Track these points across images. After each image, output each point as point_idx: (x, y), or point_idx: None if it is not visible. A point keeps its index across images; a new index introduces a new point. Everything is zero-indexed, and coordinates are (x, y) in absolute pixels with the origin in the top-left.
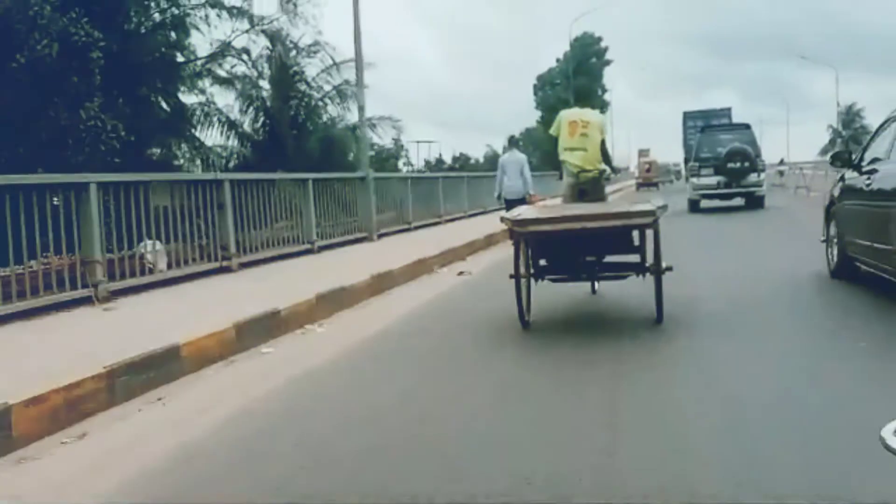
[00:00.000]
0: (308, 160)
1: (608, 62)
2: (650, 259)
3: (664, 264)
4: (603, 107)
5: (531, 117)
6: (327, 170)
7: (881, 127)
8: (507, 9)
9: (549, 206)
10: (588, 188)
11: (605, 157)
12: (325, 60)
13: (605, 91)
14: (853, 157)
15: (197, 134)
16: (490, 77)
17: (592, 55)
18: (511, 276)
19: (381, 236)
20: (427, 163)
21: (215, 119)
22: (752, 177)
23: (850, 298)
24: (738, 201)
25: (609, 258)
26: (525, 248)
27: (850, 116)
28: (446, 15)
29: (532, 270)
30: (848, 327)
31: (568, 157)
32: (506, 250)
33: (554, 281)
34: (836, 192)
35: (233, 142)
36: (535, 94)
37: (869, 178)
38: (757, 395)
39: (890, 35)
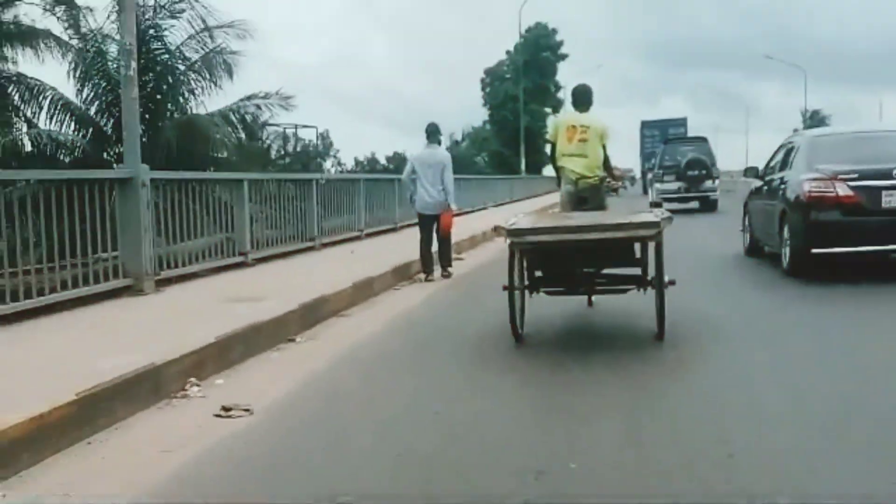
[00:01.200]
0: (165, 152)
1: (563, 57)
2: (651, 272)
3: (667, 278)
4: (556, 106)
5: (479, 115)
6: (187, 165)
7: (779, 147)
8: (459, 6)
9: (544, 214)
10: (588, 196)
11: (607, 166)
12: (195, 23)
13: (558, 88)
14: (759, 170)
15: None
16: (443, 74)
17: (546, 48)
18: (504, 288)
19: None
20: (359, 163)
21: (43, 97)
22: (708, 183)
23: (757, 267)
24: (694, 204)
25: (608, 270)
26: (520, 259)
27: (815, 122)
28: (397, 15)
29: (527, 282)
30: (758, 285)
31: (566, 163)
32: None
33: (550, 294)
34: (748, 195)
35: (67, 128)
36: (483, 89)
37: (765, 185)
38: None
39: (840, 46)
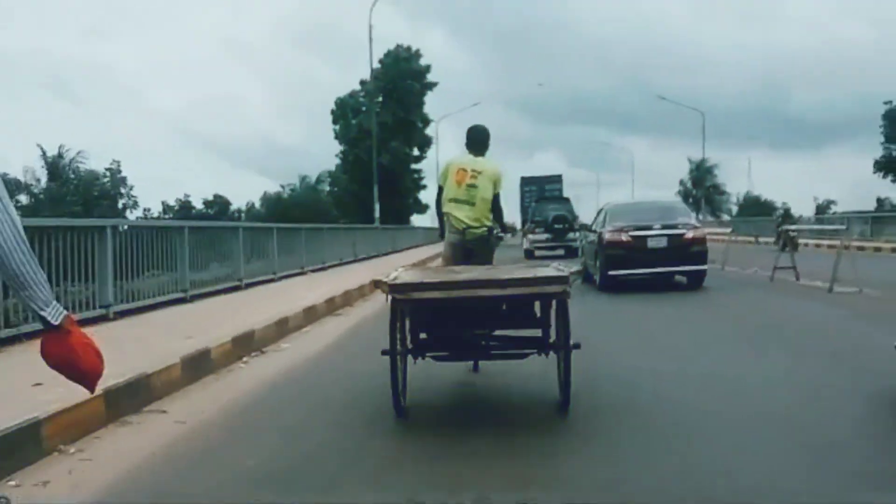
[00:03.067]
0: None
1: (430, 86)
2: (554, 334)
3: (571, 341)
4: (423, 145)
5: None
6: None
7: (598, 211)
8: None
9: (427, 269)
10: (475, 248)
11: (497, 215)
12: None
13: (426, 123)
14: (589, 225)
15: None
16: (313, 114)
17: (408, 75)
18: (384, 353)
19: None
20: (167, 207)
21: None
22: (570, 234)
23: (585, 288)
24: (560, 251)
25: (504, 332)
26: (401, 319)
27: (700, 174)
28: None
29: (410, 346)
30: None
31: (452, 210)
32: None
33: (437, 359)
34: (584, 242)
35: None
36: (335, 123)
37: (591, 235)
38: None
39: (711, 103)
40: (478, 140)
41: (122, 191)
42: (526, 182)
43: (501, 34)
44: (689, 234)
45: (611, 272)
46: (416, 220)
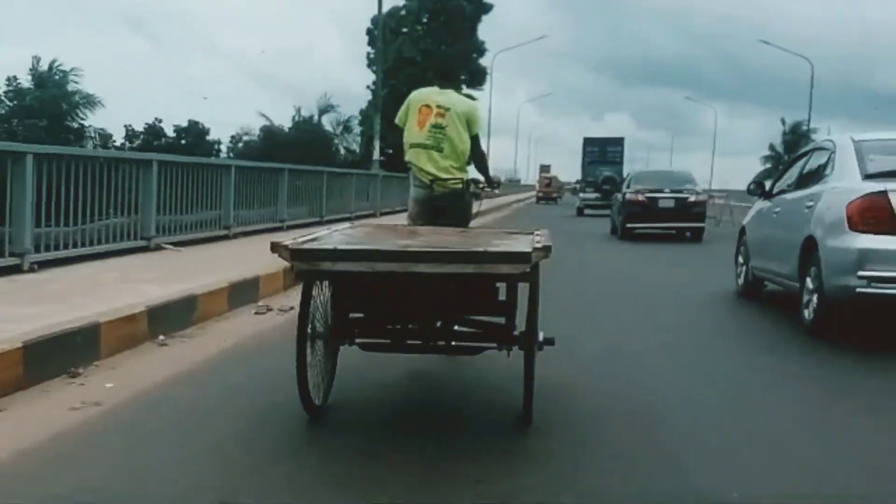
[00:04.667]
0: None
1: (487, 8)
2: (522, 324)
3: (541, 335)
4: (479, 77)
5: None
6: None
7: (624, 177)
8: None
9: (380, 228)
10: (447, 205)
11: (479, 163)
12: None
13: (480, 53)
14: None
15: None
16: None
17: None
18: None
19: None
20: (132, 134)
21: None
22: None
23: (610, 236)
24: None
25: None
26: (320, 294)
27: (795, 137)
28: None
29: (333, 329)
30: (606, 241)
31: (416, 157)
32: None
33: (366, 349)
34: (613, 202)
35: None
36: (371, 45)
37: (618, 195)
38: None
39: (777, 73)
40: (444, 68)
41: (88, 112)
42: (588, 143)
43: None
44: (692, 198)
45: (628, 225)
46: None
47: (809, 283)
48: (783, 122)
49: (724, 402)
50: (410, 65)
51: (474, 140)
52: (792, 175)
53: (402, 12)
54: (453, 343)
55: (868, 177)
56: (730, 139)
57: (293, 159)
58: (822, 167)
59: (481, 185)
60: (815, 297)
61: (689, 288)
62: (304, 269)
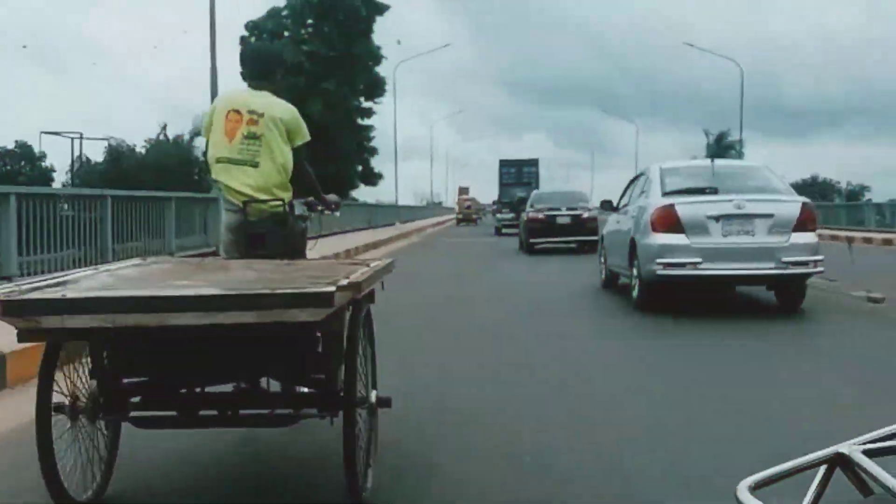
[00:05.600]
0: None
1: (382, 8)
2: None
3: (374, 395)
4: (376, 90)
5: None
6: None
7: (526, 196)
8: None
9: (182, 264)
10: (266, 233)
11: (306, 180)
12: None
13: (376, 59)
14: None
15: None
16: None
17: None
18: (52, 410)
19: None
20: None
21: None
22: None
23: (518, 251)
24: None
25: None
26: (91, 353)
27: (720, 149)
28: None
29: (99, 400)
30: (512, 256)
31: (224, 175)
32: None
33: (142, 426)
34: (523, 220)
35: None
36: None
37: (522, 215)
38: None
39: (686, 90)
40: (258, 61)
41: None
42: (504, 164)
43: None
44: (585, 215)
45: (531, 240)
46: (366, 193)
47: (634, 271)
48: (706, 133)
49: (580, 356)
50: (297, 72)
51: (298, 152)
52: (628, 194)
53: (285, 12)
54: (259, 412)
55: (665, 194)
56: (650, 154)
57: (146, 184)
58: (642, 187)
59: (318, 207)
60: (637, 282)
61: (569, 285)
62: (25, 328)
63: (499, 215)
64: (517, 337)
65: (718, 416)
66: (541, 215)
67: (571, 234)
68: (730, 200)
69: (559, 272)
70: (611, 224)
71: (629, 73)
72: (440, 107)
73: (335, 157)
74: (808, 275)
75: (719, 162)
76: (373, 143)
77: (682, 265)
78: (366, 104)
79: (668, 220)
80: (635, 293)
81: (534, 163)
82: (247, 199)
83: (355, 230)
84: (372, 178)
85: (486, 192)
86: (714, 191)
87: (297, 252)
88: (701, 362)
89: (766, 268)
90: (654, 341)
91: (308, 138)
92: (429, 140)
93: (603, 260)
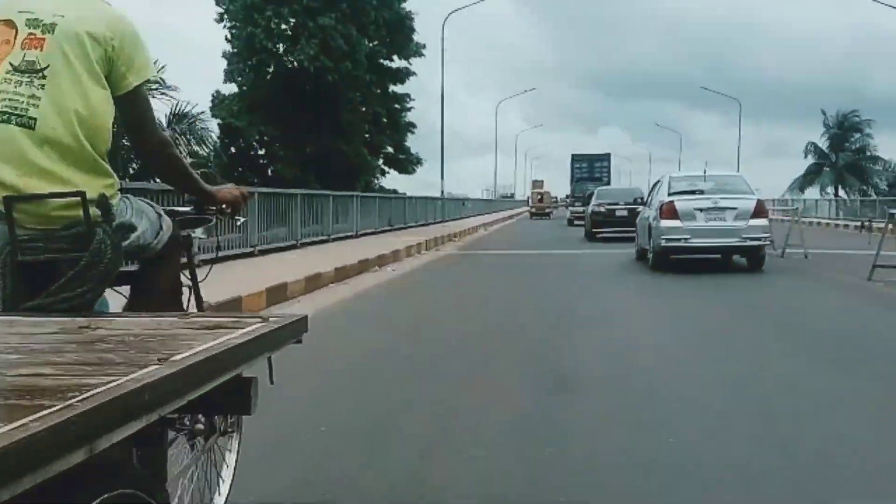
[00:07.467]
0: None
1: None
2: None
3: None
4: (405, 47)
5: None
6: None
7: (591, 193)
8: None
9: None
10: (59, 262)
11: (166, 162)
12: None
13: (406, 18)
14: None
15: None
16: None
17: None
18: None
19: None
20: None
21: None
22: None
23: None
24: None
25: None
26: None
27: (841, 131)
28: None
29: None
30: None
31: None
32: None
33: None
34: (588, 213)
35: None
36: (219, 3)
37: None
38: None
39: (773, 84)
40: None
41: None
42: (576, 159)
43: None
44: (640, 208)
45: (594, 230)
46: (394, 182)
47: (651, 245)
48: (824, 113)
49: (613, 291)
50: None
51: (134, 101)
52: (651, 194)
53: None
54: None
55: (671, 194)
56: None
57: None
58: (658, 189)
59: (210, 208)
60: (651, 253)
61: (616, 257)
62: None
63: (571, 208)
64: (573, 287)
65: (698, 312)
66: (602, 209)
67: (628, 225)
68: (709, 198)
69: (609, 251)
70: (641, 215)
71: (706, 68)
72: (512, 103)
73: (338, 130)
74: (762, 246)
75: (709, 173)
76: (407, 114)
77: (678, 240)
78: (398, 64)
79: (670, 211)
80: (650, 261)
81: (605, 157)
82: (11, 194)
83: (361, 234)
84: (403, 164)
85: (559, 185)
86: (701, 192)
87: (154, 292)
88: (687, 292)
89: (733, 241)
90: (660, 286)
91: (151, 75)
92: (501, 133)
93: (637, 241)
